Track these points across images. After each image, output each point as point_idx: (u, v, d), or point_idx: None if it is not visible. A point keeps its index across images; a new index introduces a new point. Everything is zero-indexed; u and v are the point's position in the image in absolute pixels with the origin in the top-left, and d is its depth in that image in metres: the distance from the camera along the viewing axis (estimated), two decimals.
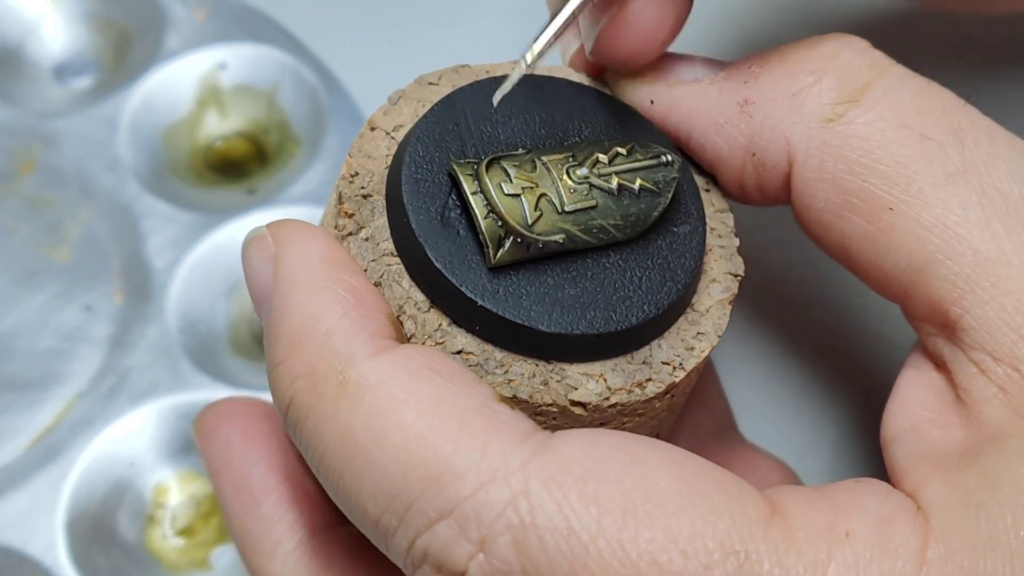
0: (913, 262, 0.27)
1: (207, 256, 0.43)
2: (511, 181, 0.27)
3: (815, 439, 0.41)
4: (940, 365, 0.28)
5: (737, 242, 0.30)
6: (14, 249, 0.44)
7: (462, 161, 0.28)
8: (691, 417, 0.35)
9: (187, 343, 0.42)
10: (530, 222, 0.27)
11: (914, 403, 0.28)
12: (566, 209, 0.27)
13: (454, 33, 0.50)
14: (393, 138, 0.29)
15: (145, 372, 0.41)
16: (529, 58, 0.27)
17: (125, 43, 0.48)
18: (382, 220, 0.28)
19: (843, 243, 0.28)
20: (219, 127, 0.47)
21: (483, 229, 0.27)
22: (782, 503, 0.25)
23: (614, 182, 0.28)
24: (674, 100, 0.29)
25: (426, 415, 0.24)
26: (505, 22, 0.52)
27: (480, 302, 0.27)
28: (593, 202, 0.28)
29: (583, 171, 0.28)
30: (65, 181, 0.45)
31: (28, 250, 0.44)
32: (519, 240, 0.27)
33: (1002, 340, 0.26)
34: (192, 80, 0.47)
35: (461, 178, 0.27)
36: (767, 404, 0.41)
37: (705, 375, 0.36)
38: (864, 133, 0.27)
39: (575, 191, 0.28)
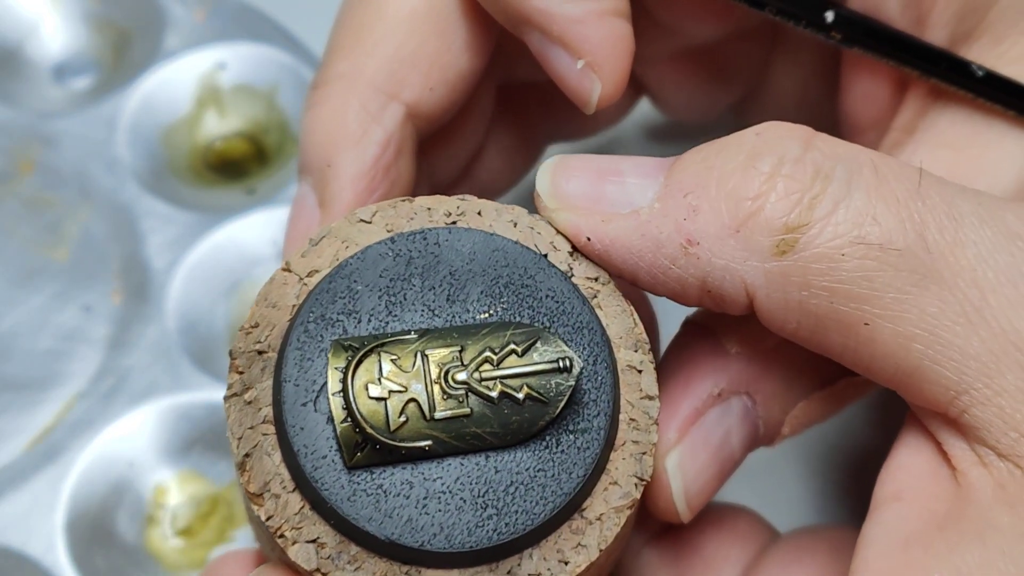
0: (902, 368, 0.26)
1: (206, 256, 0.43)
2: (380, 382, 0.26)
3: (792, 495, 0.40)
4: (937, 444, 0.27)
5: (655, 438, 0.27)
6: (13, 249, 0.44)
7: (345, 342, 0.26)
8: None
9: (186, 343, 0.42)
10: (392, 429, 0.25)
11: (903, 470, 0.28)
12: (435, 416, 0.25)
13: None
14: (305, 284, 0.27)
15: (144, 372, 0.41)
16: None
17: (124, 43, 0.48)
18: (269, 383, 0.27)
19: (824, 350, 0.27)
20: (218, 127, 0.47)
21: (338, 432, 0.25)
22: None
23: (496, 390, 0.26)
24: (611, 238, 0.27)
25: None
26: None
27: (330, 502, 0.25)
28: (467, 410, 0.26)
29: (463, 375, 0.26)
30: (64, 181, 0.45)
31: (27, 250, 0.44)
32: (377, 447, 0.25)
33: (1004, 440, 0.26)
34: (191, 80, 0.47)
35: (329, 371, 0.26)
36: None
37: None
38: (821, 257, 0.26)
39: (449, 397, 0.26)
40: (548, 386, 0.26)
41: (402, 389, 0.26)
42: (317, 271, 0.27)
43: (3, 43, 0.48)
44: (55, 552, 0.38)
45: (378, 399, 0.25)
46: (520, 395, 0.26)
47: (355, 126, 0.32)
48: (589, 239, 0.28)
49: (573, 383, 0.26)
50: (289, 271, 0.27)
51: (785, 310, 0.27)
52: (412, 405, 0.26)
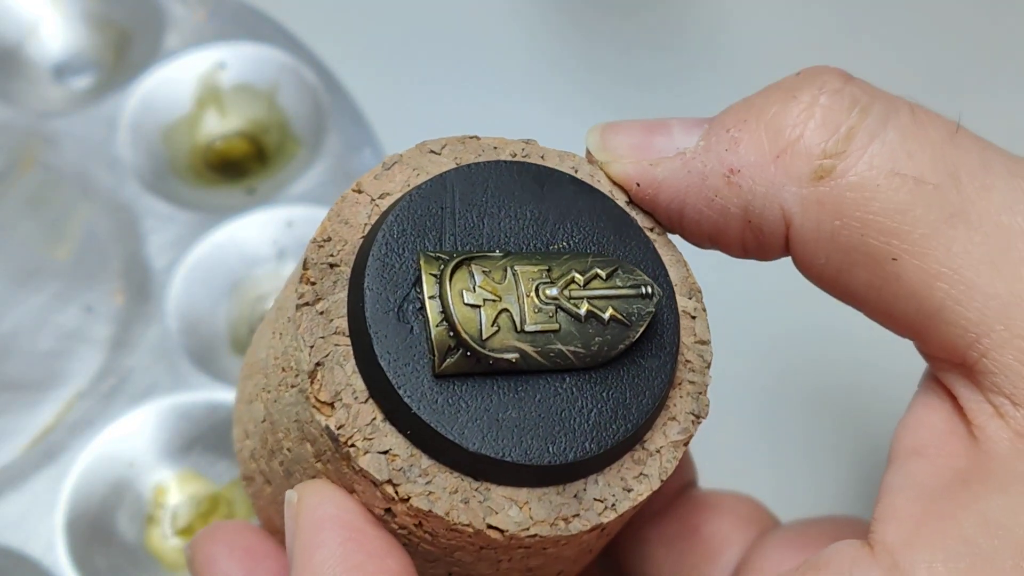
0: (923, 308, 0.27)
1: (207, 256, 0.43)
2: (474, 290, 0.26)
3: (797, 482, 0.40)
4: (954, 398, 0.28)
5: (710, 379, 0.28)
6: (14, 249, 0.44)
7: (433, 254, 0.26)
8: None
9: (187, 343, 0.42)
10: (484, 337, 0.26)
11: (922, 427, 0.28)
12: (526, 329, 0.26)
13: (455, 32, 0.50)
14: (377, 205, 0.28)
15: (145, 372, 0.41)
16: None
17: (125, 43, 0.48)
18: (342, 295, 0.27)
19: (848, 293, 0.28)
20: (219, 127, 0.47)
21: (433, 336, 0.26)
22: None
23: (583, 308, 0.26)
24: (660, 180, 0.28)
25: None
26: (505, 20, 0.52)
27: (414, 409, 0.25)
28: (556, 325, 0.26)
29: (553, 291, 0.26)
30: (65, 181, 0.45)
31: (28, 250, 0.44)
32: (468, 353, 0.26)
33: (1021, 385, 0.26)
34: (192, 80, 0.47)
35: (423, 276, 0.26)
36: (747, 451, 0.41)
37: None
38: (856, 186, 0.26)
39: (540, 311, 0.26)
40: (631, 310, 0.27)
41: (496, 299, 0.26)
42: (388, 194, 0.28)
43: (3, 43, 0.48)
44: (55, 552, 0.38)
45: (473, 306, 0.26)
46: (605, 315, 0.26)
47: None
48: (639, 184, 0.29)
49: (654, 309, 0.27)
50: (360, 192, 0.28)
51: (817, 240, 0.27)
52: (504, 316, 0.26)
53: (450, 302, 0.26)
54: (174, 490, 0.41)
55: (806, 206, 0.27)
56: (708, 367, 0.28)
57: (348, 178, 0.45)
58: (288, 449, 0.28)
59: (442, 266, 0.26)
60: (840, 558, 0.26)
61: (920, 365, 0.29)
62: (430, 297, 0.26)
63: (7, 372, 0.42)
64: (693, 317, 0.29)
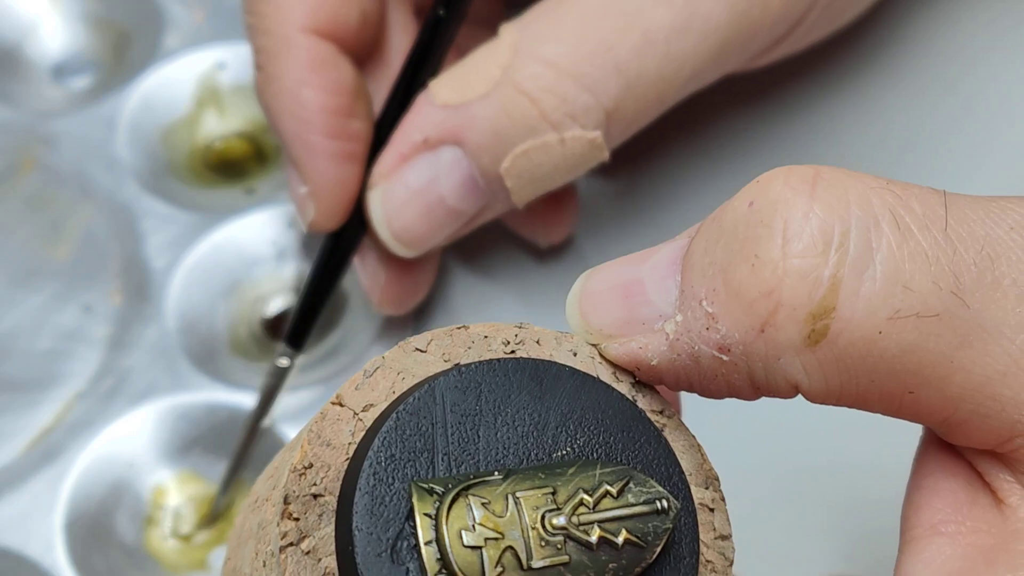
0: (950, 424, 0.25)
1: (206, 256, 0.43)
2: (474, 529, 0.24)
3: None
4: (971, 466, 0.26)
5: None
6: (13, 249, 0.44)
7: (426, 485, 0.24)
8: None
9: (186, 343, 0.42)
10: None
11: (938, 497, 0.26)
12: (533, 566, 0.24)
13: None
14: (360, 420, 0.26)
15: (144, 372, 0.41)
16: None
17: (123, 43, 0.48)
18: (328, 530, 0.25)
19: (868, 410, 0.26)
20: (218, 127, 0.47)
21: None
22: None
23: (594, 535, 0.24)
24: (655, 366, 0.26)
25: None
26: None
27: None
28: (566, 558, 0.24)
29: (561, 520, 0.24)
30: (64, 181, 0.45)
31: (27, 250, 0.44)
32: None
33: None
34: (191, 80, 0.47)
35: (418, 517, 0.24)
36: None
37: None
38: (857, 340, 0.24)
39: (547, 544, 0.24)
40: (646, 529, 0.24)
41: (498, 536, 0.24)
42: (372, 405, 0.26)
43: (3, 43, 0.48)
44: (54, 553, 0.38)
45: (473, 548, 0.24)
46: (619, 539, 0.24)
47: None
48: (639, 369, 0.27)
49: (671, 525, 0.24)
50: (341, 405, 0.26)
51: (826, 394, 0.25)
52: (508, 554, 0.24)
53: (448, 547, 0.24)
54: (173, 491, 0.41)
55: (809, 370, 0.25)
56: (731, 565, 0.26)
57: None
58: None
59: (437, 503, 0.24)
60: None
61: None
62: (426, 543, 0.24)
63: (6, 372, 0.42)
64: (711, 509, 0.27)
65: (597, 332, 0.27)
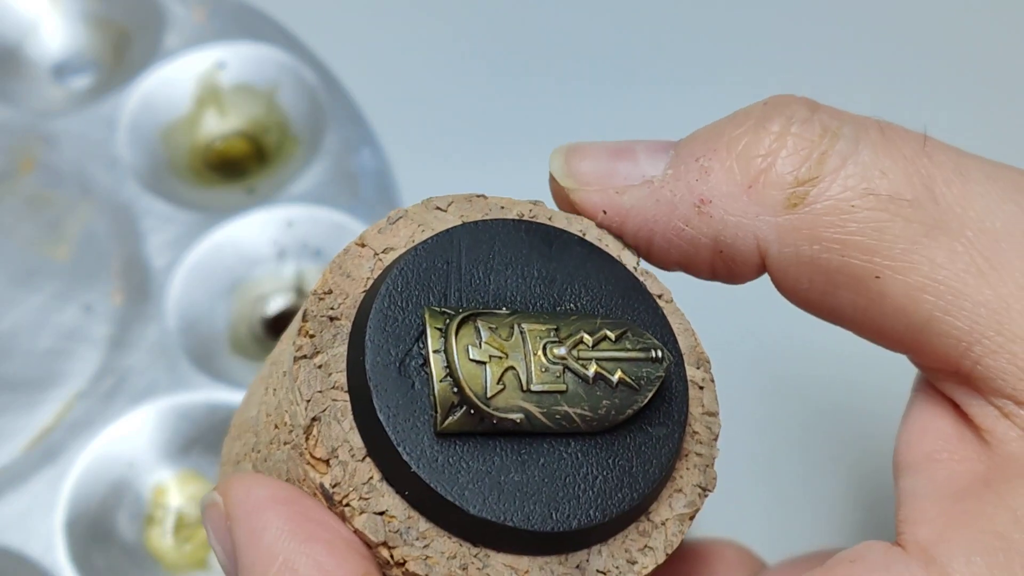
0: (912, 323, 0.26)
1: (206, 256, 0.43)
2: (480, 346, 0.25)
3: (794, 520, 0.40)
4: (954, 404, 0.28)
5: (717, 452, 0.28)
6: (13, 248, 0.44)
7: (438, 309, 0.26)
8: None
9: (186, 343, 0.42)
10: (489, 395, 0.25)
11: (929, 433, 0.28)
12: (532, 388, 0.25)
13: (454, 31, 0.50)
14: (380, 260, 0.27)
15: (144, 372, 0.41)
16: None
17: (124, 42, 0.48)
18: (341, 349, 0.26)
19: (835, 314, 0.27)
20: (218, 126, 0.47)
21: (436, 392, 0.25)
22: None
23: (592, 369, 0.25)
24: (627, 209, 0.28)
25: None
26: (505, 17, 0.52)
27: (414, 467, 0.25)
28: (563, 386, 0.25)
29: (561, 351, 0.25)
30: (64, 180, 0.45)
31: (27, 249, 0.44)
32: (472, 412, 0.25)
33: (1020, 386, 0.26)
34: (191, 79, 0.47)
35: (428, 330, 0.25)
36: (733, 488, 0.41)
37: None
38: (832, 209, 0.26)
39: (547, 370, 0.25)
40: (640, 374, 0.26)
41: (502, 356, 0.25)
42: (392, 249, 0.27)
43: (3, 42, 0.48)
44: (55, 552, 0.38)
45: (478, 362, 0.25)
46: (614, 378, 0.26)
47: None
48: (605, 212, 0.28)
49: (663, 374, 0.26)
50: (364, 246, 0.27)
51: (797, 265, 0.27)
52: (510, 374, 0.25)
53: (455, 357, 0.25)
54: (174, 490, 0.41)
55: (782, 234, 0.27)
56: (716, 439, 0.28)
57: (348, 177, 0.45)
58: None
59: (447, 320, 0.25)
60: (872, 555, 0.26)
61: (908, 374, 0.29)
62: (435, 351, 0.25)
63: (7, 372, 0.42)
64: (701, 387, 0.28)
65: (577, 175, 0.28)
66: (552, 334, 0.26)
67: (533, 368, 0.25)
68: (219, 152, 0.47)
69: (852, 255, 0.26)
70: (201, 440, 0.41)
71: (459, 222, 0.28)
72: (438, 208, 0.28)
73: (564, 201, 0.29)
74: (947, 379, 0.27)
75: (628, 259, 0.28)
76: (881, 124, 0.27)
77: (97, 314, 0.43)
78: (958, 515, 0.25)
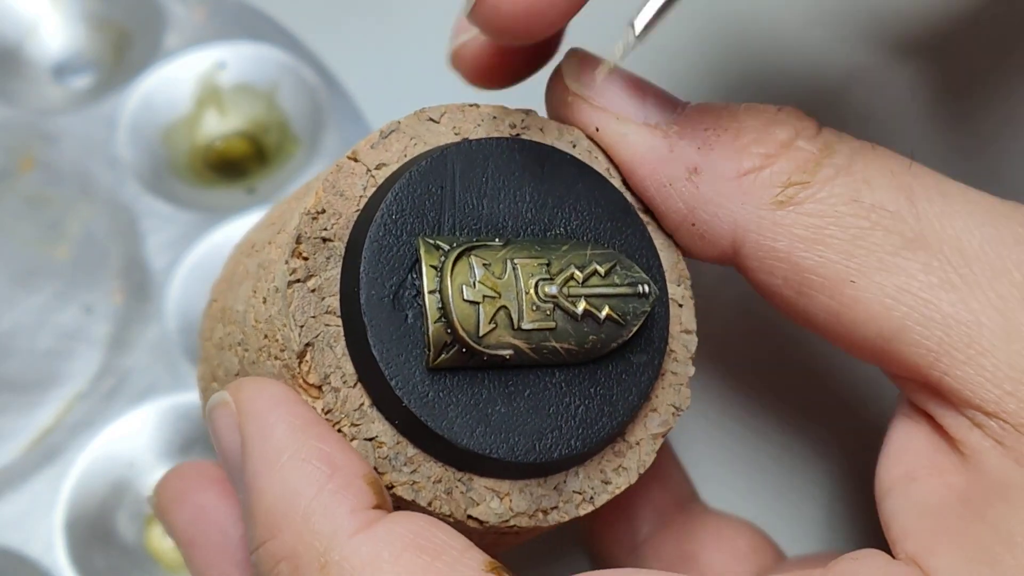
0: (882, 332, 0.27)
1: (207, 256, 0.43)
2: (474, 285, 0.26)
3: (798, 504, 0.40)
4: (929, 418, 0.28)
5: (692, 371, 0.29)
6: (13, 248, 0.44)
7: (432, 241, 0.26)
8: (648, 494, 0.35)
9: (187, 343, 0.42)
10: (481, 334, 0.25)
11: (907, 452, 0.28)
12: (522, 326, 0.26)
13: None
14: (373, 177, 0.27)
15: (145, 372, 0.41)
16: (638, 28, 0.26)
17: (124, 42, 0.48)
18: (335, 272, 0.26)
19: (807, 318, 0.28)
20: (218, 126, 0.47)
21: (430, 333, 0.25)
22: None
23: (580, 306, 0.26)
24: (621, 136, 0.28)
25: None
26: None
27: (405, 402, 0.25)
28: (553, 323, 0.26)
29: (553, 289, 0.26)
30: (64, 180, 0.45)
31: (27, 249, 0.44)
32: (464, 350, 0.26)
33: (988, 397, 0.26)
34: (191, 79, 0.47)
35: (424, 268, 0.26)
36: (739, 470, 0.41)
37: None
38: (816, 211, 0.27)
39: (538, 308, 0.26)
40: (626, 309, 0.27)
41: (495, 295, 0.26)
42: (385, 164, 0.27)
43: (3, 42, 0.48)
44: (54, 552, 0.38)
45: (472, 302, 0.26)
46: (602, 314, 0.26)
47: None
48: (598, 129, 0.28)
49: (648, 309, 0.27)
50: (356, 160, 0.27)
51: (772, 260, 0.27)
52: (502, 312, 0.26)
53: (450, 298, 0.25)
54: None
55: (763, 225, 0.27)
56: (692, 358, 0.29)
57: None
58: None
59: (443, 257, 0.26)
60: (873, 561, 0.26)
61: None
62: (430, 292, 0.26)
63: (6, 372, 0.42)
64: (680, 305, 0.29)
65: (587, 84, 0.29)
66: (544, 270, 0.26)
67: (524, 307, 0.26)
68: (219, 152, 0.47)
69: (829, 256, 0.27)
70: (201, 440, 0.41)
71: (452, 134, 0.28)
72: (431, 119, 0.28)
73: (559, 105, 0.29)
74: (919, 391, 0.28)
75: (616, 174, 0.29)
76: (875, 145, 0.28)
77: (97, 314, 0.43)
78: (942, 531, 0.26)
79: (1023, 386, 0.26)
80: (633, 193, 0.29)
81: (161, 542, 0.40)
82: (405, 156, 0.27)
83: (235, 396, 0.26)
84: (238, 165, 0.46)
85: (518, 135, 0.28)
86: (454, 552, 0.24)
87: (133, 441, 0.40)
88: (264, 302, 0.28)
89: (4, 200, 0.45)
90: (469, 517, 0.26)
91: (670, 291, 0.28)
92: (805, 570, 0.26)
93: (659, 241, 0.29)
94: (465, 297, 0.26)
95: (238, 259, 0.31)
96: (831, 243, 0.27)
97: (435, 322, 0.26)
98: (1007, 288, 0.26)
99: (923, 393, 0.28)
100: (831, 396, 0.41)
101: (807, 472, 0.41)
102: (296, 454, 0.25)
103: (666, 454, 0.35)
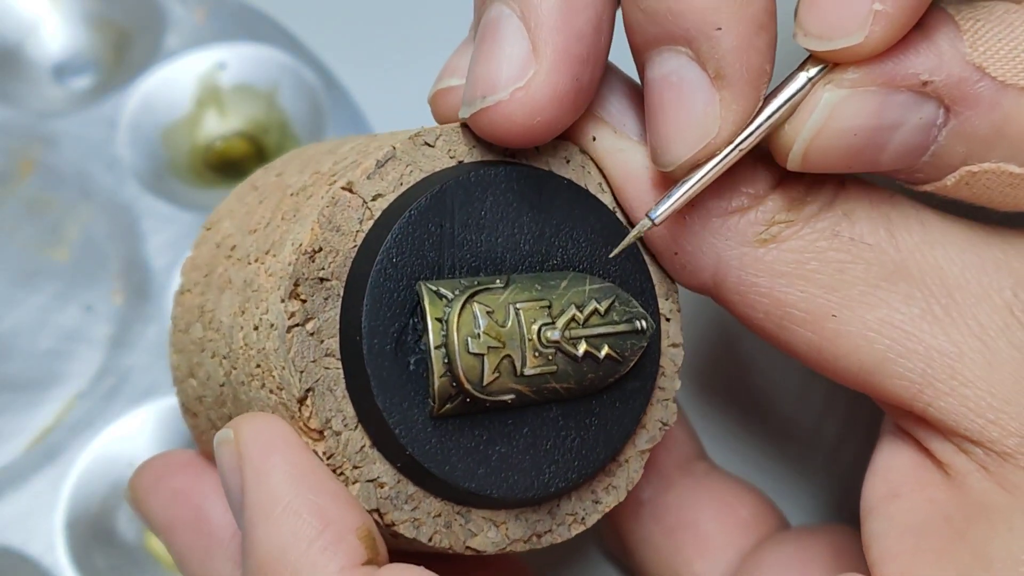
0: (864, 365, 0.27)
1: None
2: (479, 338, 0.25)
3: (800, 470, 0.40)
4: (916, 441, 0.28)
5: (678, 385, 0.29)
6: (14, 250, 0.44)
7: (435, 289, 0.26)
8: (653, 455, 0.35)
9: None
10: (485, 384, 0.26)
11: (892, 471, 0.28)
12: (525, 373, 0.26)
13: (455, 31, 0.50)
14: (369, 209, 0.27)
15: (145, 372, 0.41)
16: (657, 219, 0.26)
17: (124, 43, 0.48)
18: (333, 313, 0.26)
19: (789, 349, 0.28)
20: (219, 127, 0.47)
21: (436, 387, 0.25)
22: None
23: (581, 348, 0.26)
24: (617, 150, 0.28)
25: None
26: None
27: (409, 450, 0.25)
28: (554, 368, 0.26)
29: (555, 335, 0.26)
30: (64, 181, 0.45)
31: (28, 250, 0.44)
32: (468, 400, 0.26)
33: (972, 428, 0.26)
34: (191, 80, 0.47)
35: (429, 323, 0.26)
36: (748, 434, 0.41)
37: None
38: (798, 247, 0.27)
39: (540, 355, 0.26)
40: (625, 346, 0.27)
41: (499, 346, 0.26)
42: (381, 195, 0.27)
43: (3, 43, 0.48)
44: (55, 552, 0.38)
45: (477, 355, 0.25)
46: (601, 354, 0.26)
47: None
48: (595, 139, 0.28)
49: (645, 344, 0.27)
50: (352, 192, 0.27)
51: (755, 295, 0.27)
52: (506, 361, 0.26)
53: (456, 353, 0.25)
54: None
55: (745, 262, 0.27)
56: (678, 372, 0.29)
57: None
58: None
59: (447, 307, 0.26)
60: None
61: None
62: (436, 347, 0.25)
63: (7, 372, 0.42)
64: (668, 319, 0.29)
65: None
66: (545, 313, 0.26)
67: (527, 353, 0.26)
68: (219, 152, 0.47)
69: (811, 291, 0.27)
70: None
71: (448, 157, 0.27)
72: (426, 144, 0.28)
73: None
74: (904, 417, 0.28)
75: (608, 187, 0.28)
76: (859, 181, 0.28)
77: (97, 314, 0.43)
78: (922, 552, 0.26)
79: (1004, 415, 0.26)
80: (621, 207, 0.29)
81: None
82: (401, 185, 0.27)
83: (236, 435, 0.26)
84: (238, 165, 0.46)
85: (512, 155, 0.28)
86: None
87: (133, 441, 0.40)
88: (256, 330, 0.27)
89: (5, 200, 0.45)
90: (468, 548, 0.27)
91: (659, 306, 0.28)
92: (821, 540, 0.26)
93: (648, 255, 0.29)
94: (470, 350, 0.25)
95: (215, 254, 0.31)
96: (813, 278, 0.27)
97: (441, 376, 0.25)
98: (988, 315, 0.26)
99: (908, 420, 0.28)
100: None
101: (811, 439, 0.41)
102: (289, 506, 0.25)
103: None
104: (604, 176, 0.28)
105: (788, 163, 0.26)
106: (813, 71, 0.26)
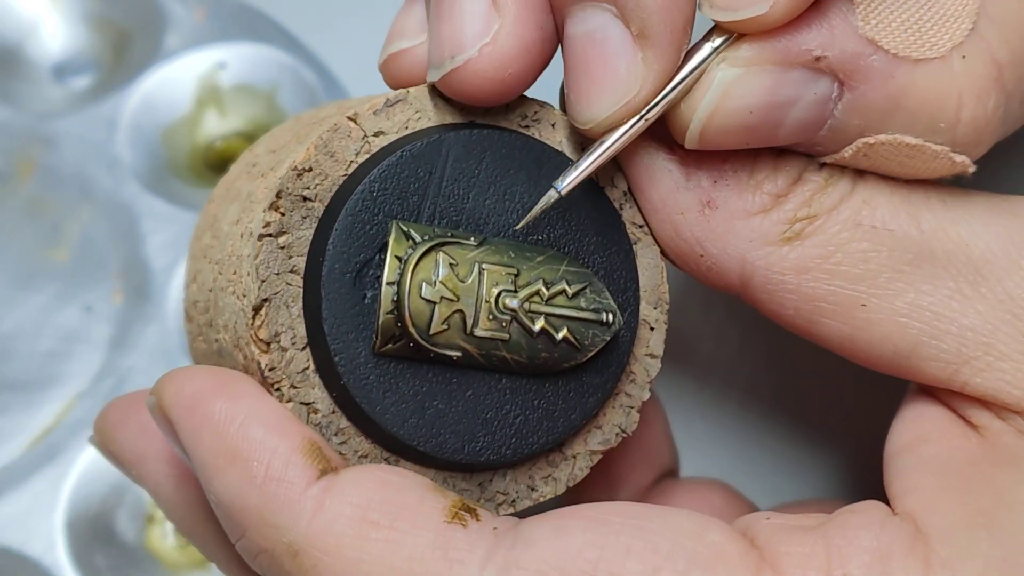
0: (899, 350, 0.27)
1: None
2: (434, 284, 0.25)
3: (798, 471, 0.41)
4: (948, 407, 0.28)
5: (646, 395, 0.28)
6: (14, 250, 0.44)
7: (405, 229, 0.26)
8: (632, 473, 0.35)
9: (187, 343, 0.42)
10: (431, 333, 0.25)
11: (921, 420, 0.28)
12: (475, 333, 0.26)
13: None
14: (368, 143, 0.27)
15: (145, 373, 0.41)
16: (563, 190, 0.26)
17: (124, 43, 0.48)
18: (308, 233, 0.26)
19: (821, 341, 0.28)
20: (218, 127, 0.47)
21: (380, 322, 0.25)
22: (771, 547, 0.24)
23: (539, 324, 0.26)
24: (640, 150, 0.27)
25: (383, 572, 0.24)
26: None
27: (344, 379, 0.25)
28: (506, 336, 0.26)
29: (514, 303, 0.26)
30: (64, 182, 0.45)
31: (28, 251, 0.44)
32: (412, 344, 0.25)
33: (1009, 400, 0.26)
34: (191, 80, 0.47)
35: (388, 258, 0.25)
36: (740, 438, 0.41)
37: (650, 419, 0.35)
38: (822, 242, 0.27)
39: (494, 319, 0.26)
40: (585, 335, 0.26)
41: (453, 299, 0.26)
42: (383, 133, 0.27)
43: (3, 43, 0.48)
44: (55, 552, 0.39)
45: (428, 301, 0.25)
46: (558, 335, 0.26)
47: None
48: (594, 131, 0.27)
49: (608, 339, 0.26)
50: (355, 123, 0.27)
51: (783, 293, 0.27)
52: (457, 316, 0.26)
53: (406, 294, 0.25)
54: None
55: (771, 261, 0.27)
56: (650, 383, 0.28)
57: None
58: (222, 341, 0.28)
59: (411, 249, 0.26)
60: (873, 511, 0.26)
61: None
62: (387, 283, 0.25)
63: (7, 373, 0.42)
64: (652, 328, 0.28)
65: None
66: (510, 280, 0.26)
67: (481, 314, 0.26)
68: (219, 152, 0.47)
69: (838, 283, 0.27)
70: None
71: (458, 115, 0.27)
72: (441, 96, 0.27)
73: None
74: (941, 392, 0.28)
75: (621, 182, 0.28)
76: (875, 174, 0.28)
77: (97, 315, 0.43)
78: (946, 490, 0.26)
79: None
80: (639, 208, 0.28)
81: (161, 541, 0.40)
82: (406, 129, 0.27)
83: (160, 400, 0.26)
84: None
85: (527, 127, 0.28)
86: (410, 509, 0.24)
87: None
88: (241, 237, 0.28)
89: (5, 200, 0.45)
90: None
91: (644, 313, 0.28)
92: (811, 513, 0.26)
93: (646, 261, 0.28)
94: (422, 295, 0.25)
95: (242, 168, 0.31)
96: (839, 271, 0.27)
97: (387, 313, 0.25)
98: (1017, 285, 0.26)
99: (944, 393, 0.28)
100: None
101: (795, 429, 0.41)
102: (228, 457, 0.25)
103: (655, 428, 0.35)
104: (622, 172, 0.28)
105: (686, 142, 0.26)
106: (718, 41, 0.26)
